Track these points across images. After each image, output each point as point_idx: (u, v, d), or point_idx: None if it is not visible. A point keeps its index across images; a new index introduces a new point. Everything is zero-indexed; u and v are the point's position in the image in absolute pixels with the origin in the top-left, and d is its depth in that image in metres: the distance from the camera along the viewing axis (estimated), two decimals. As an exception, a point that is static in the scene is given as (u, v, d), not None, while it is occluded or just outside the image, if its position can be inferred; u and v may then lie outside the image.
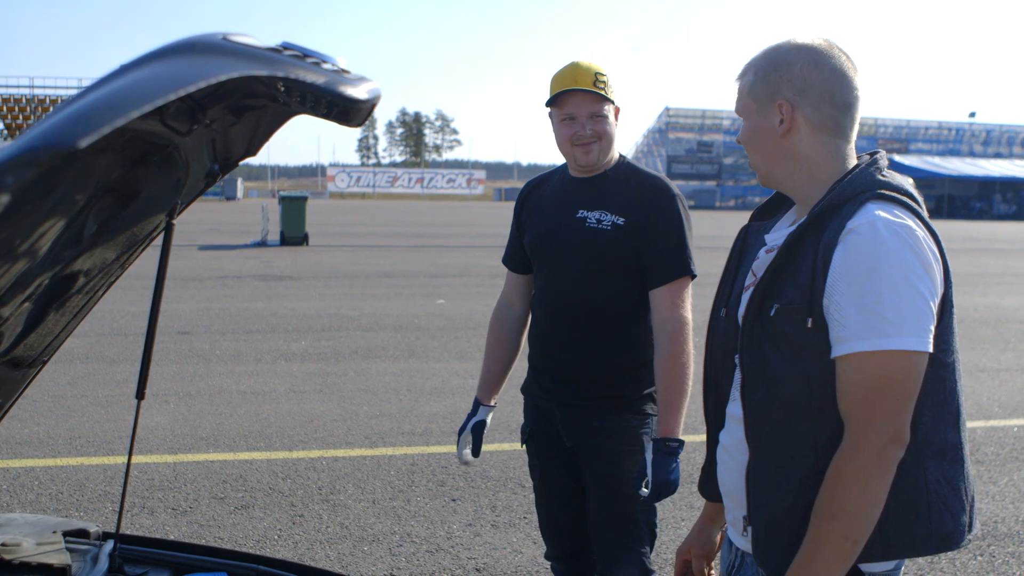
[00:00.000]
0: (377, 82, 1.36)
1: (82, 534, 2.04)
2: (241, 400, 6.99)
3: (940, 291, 1.65)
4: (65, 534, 2.01)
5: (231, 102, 1.49)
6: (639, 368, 2.77)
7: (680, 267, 2.71)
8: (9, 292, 1.50)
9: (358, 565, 4.11)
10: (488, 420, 3.08)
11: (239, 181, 72.87)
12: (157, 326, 1.87)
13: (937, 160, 70.80)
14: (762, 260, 1.81)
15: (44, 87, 54.75)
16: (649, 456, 2.61)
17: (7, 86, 54.56)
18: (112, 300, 9.01)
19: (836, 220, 1.65)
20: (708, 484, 2.01)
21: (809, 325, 1.65)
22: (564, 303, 2.81)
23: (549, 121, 2.83)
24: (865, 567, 1.68)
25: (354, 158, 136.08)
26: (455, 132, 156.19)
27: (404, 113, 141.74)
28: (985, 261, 22.23)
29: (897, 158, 64.91)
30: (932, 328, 1.62)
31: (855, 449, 1.60)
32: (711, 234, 20.16)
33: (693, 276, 2.75)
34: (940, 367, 1.66)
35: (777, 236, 1.82)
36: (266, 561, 2.06)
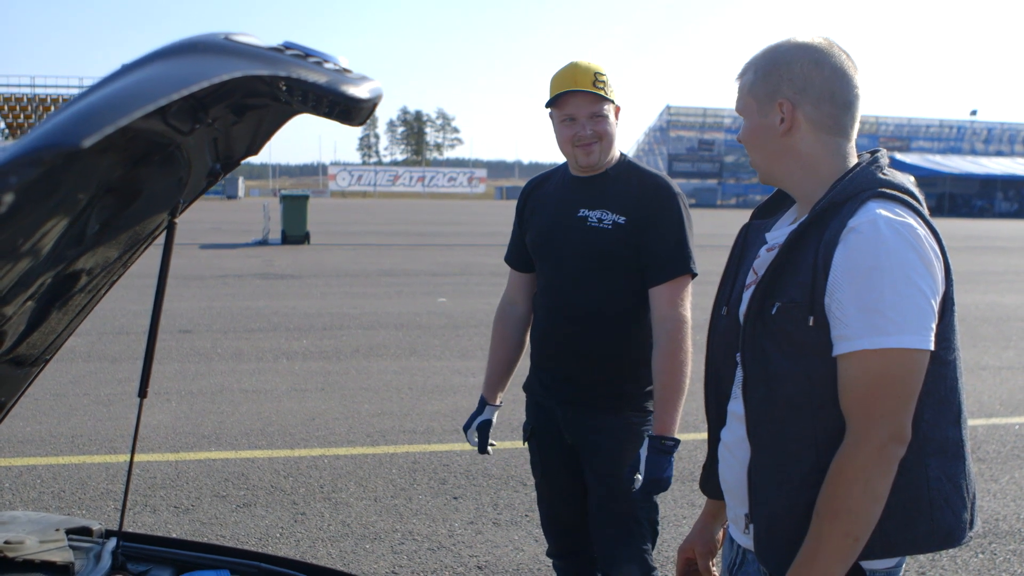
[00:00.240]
0: (378, 81, 1.36)
1: (85, 532, 2.05)
2: (243, 398, 6.99)
3: (941, 289, 1.65)
4: (68, 532, 2.02)
5: (233, 101, 1.49)
6: (640, 366, 2.77)
7: (680, 265, 2.72)
8: (12, 291, 1.50)
9: (360, 563, 4.12)
10: (493, 419, 3.09)
11: (240, 180, 72.86)
12: (159, 324, 1.87)
13: (938, 158, 70.73)
14: (763, 258, 1.81)
15: (45, 86, 54.78)
16: (644, 453, 2.61)
17: (8, 85, 54.61)
18: (114, 299, 9.02)
19: (837, 219, 1.65)
20: (710, 482, 2.02)
21: (810, 323, 1.65)
22: (565, 302, 2.82)
23: (550, 121, 2.83)
24: (867, 564, 1.68)
25: (355, 157, 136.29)
26: (456, 131, 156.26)
27: (405, 112, 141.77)
28: (986, 259, 22.23)
29: (898, 156, 64.94)
30: (933, 326, 1.62)
31: (857, 447, 1.60)
32: (712, 232, 20.16)
33: (693, 275, 2.75)
34: (941, 365, 1.67)
35: (778, 234, 1.82)
36: (268, 559, 2.06)
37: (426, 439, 6.02)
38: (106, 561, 1.93)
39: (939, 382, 1.67)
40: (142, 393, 1.93)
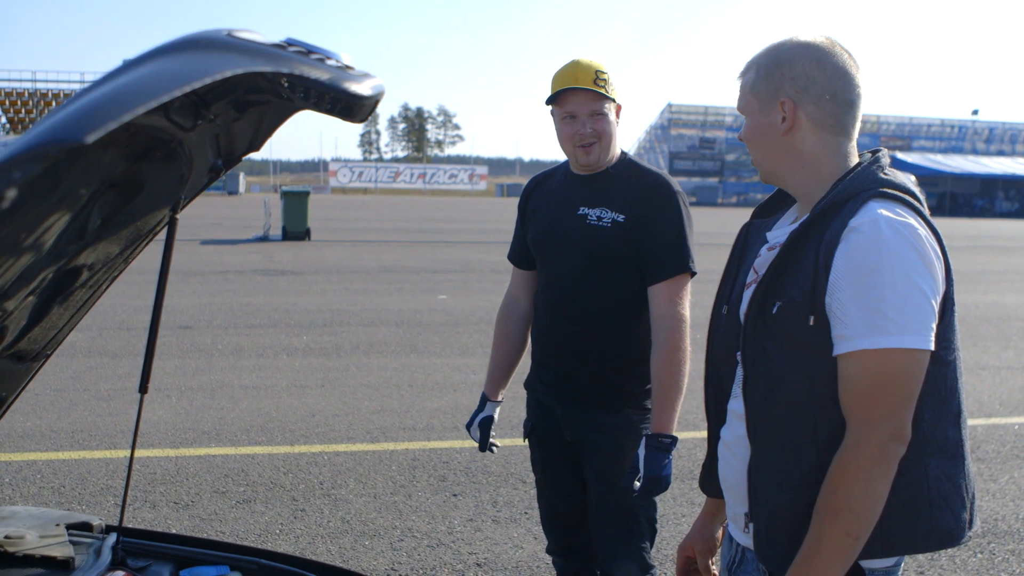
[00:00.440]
0: (380, 78, 1.36)
1: (85, 527, 2.05)
2: (243, 395, 7.00)
3: (942, 289, 1.65)
4: (68, 527, 2.02)
5: (235, 97, 1.49)
6: (640, 365, 2.77)
7: (679, 264, 2.72)
8: (14, 286, 1.50)
9: (359, 560, 4.12)
10: (495, 415, 3.10)
11: (241, 176, 72.78)
12: (160, 320, 1.87)
13: (940, 158, 70.66)
14: (764, 258, 1.81)
15: (46, 81, 54.69)
16: (642, 452, 2.62)
17: (9, 80, 54.53)
18: (115, 294, 9.03)
19: (838, 218, 1.66)
20: (709, 480, 2.02)
21: (811, 323, 1.65)
22: (565, 300, 2.82)
23: (551, 119, 2.83)
24: (866, 563, 1.68)
25: (356, 153, 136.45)
26: (457, 128, 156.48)
27: (406, 108, 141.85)
28: (987, 259, 22.22)
29: (900, 155, 64.86)
30: (934, 326, 1.62)
31: (857, 446, 1.61)
32: (713, 231, 20.16)
33: (693, 274, 2.75)
34: (941, 365, 1.67)
35: (779, 234, 1.82)
36: (267, 555, 2.07)
37: (426, 436, 6.02)
38: (106, 556, 1.94)
39: (939, 382, 1.67)
40: (143, 389, 1.93)
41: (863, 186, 1.68)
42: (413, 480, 5.18)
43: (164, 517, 4.54)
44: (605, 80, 2.71)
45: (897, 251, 1.59)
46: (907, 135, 78.08)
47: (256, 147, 1.74)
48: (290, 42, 1.31)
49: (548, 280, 2.90)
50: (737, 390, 1.84)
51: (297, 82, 1.26)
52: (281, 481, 5.11)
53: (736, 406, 1.84)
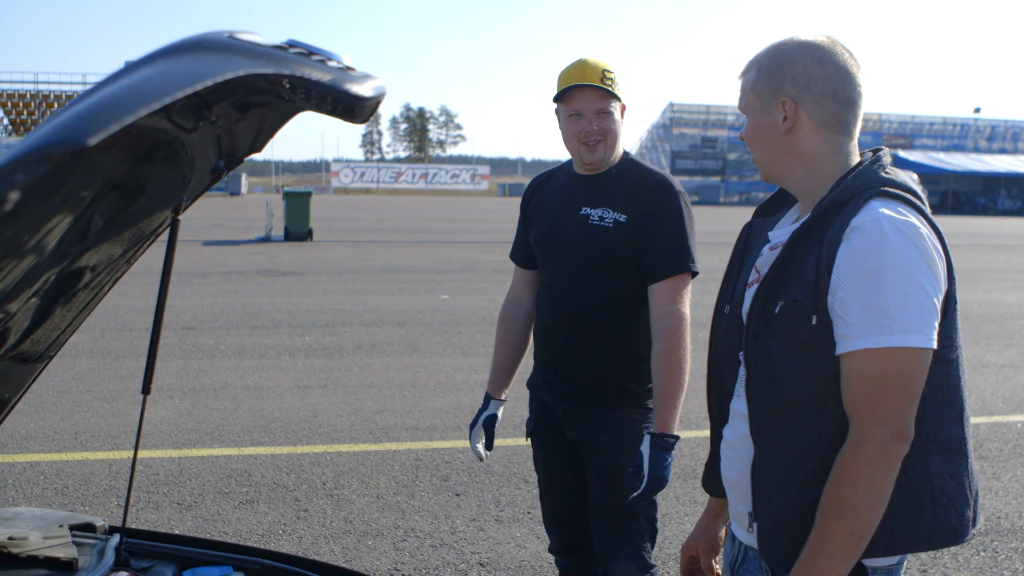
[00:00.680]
0: (381, 79, 1.37)
1: (88, 528, 2.05)
2: (245, 395, 7.01)
3: (944, 287, 1.65)
4: (71, 528, 2.02)
5: (236, 99, 1.49)
6: (641, 364, 2.77)
7: (679, 263, 2.72)
8: (17, 287, 1.51)
9: (362, 560, 4.12)
10: (499, 414, 3.11)
11: (243, 176, 72.81)
12: (163, 321, 1.88)
13: (942, 156, 70.57)
14: (766, 257, 1.81)
15: (48, 82, 54.97)
16: (646, 451, 2.62)
17: (11, 81, 54.70)
18: (117, 295, 9.03)
19: (840, 217, 1.66)
20: (712, 479, 2.02)
21: (813, 322, 1.65)
22: (566, 299, 2.82)
23: (555, 118, 2.84)
24: (869, 562, 1.69)
25: (358, 154, 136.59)
26: (459, 128, 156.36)
27: (408, 109, 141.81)
28: (989, 257, 22.20)
29: (901, 154, 64.81)
30: (936, 325, 1.62)
31: (860, 445, 1.61)
32: (715, 230, 20.15)
33: (694, 273, 2.76)
34: (944, 363, 1.67)
35: (781, 233, 1.82)
36: (271, 555, 2.07)
37: (428, 436, 6.03)
38: (109, 557, 1.94)
39: (942, 380, 1.67)
40: (145, 390, 1.94)
41: (865, 185, 1.68)
42: (416, 480, 5.18)
43: (167, 518, 4.55)
44: (612, 79, 2.72)
45: (899, 250, 1.59)
46: (909, 133, 78.01)
47: (258, 148, 1.74)
48: (291, 43, 1.31)
49: (550, 279, 2.90)
50: (739, 390, 1.85)
51: (298, 83, 1.26)
52: (284, 481, 5.12)
53: (738, 406, 1.84)
